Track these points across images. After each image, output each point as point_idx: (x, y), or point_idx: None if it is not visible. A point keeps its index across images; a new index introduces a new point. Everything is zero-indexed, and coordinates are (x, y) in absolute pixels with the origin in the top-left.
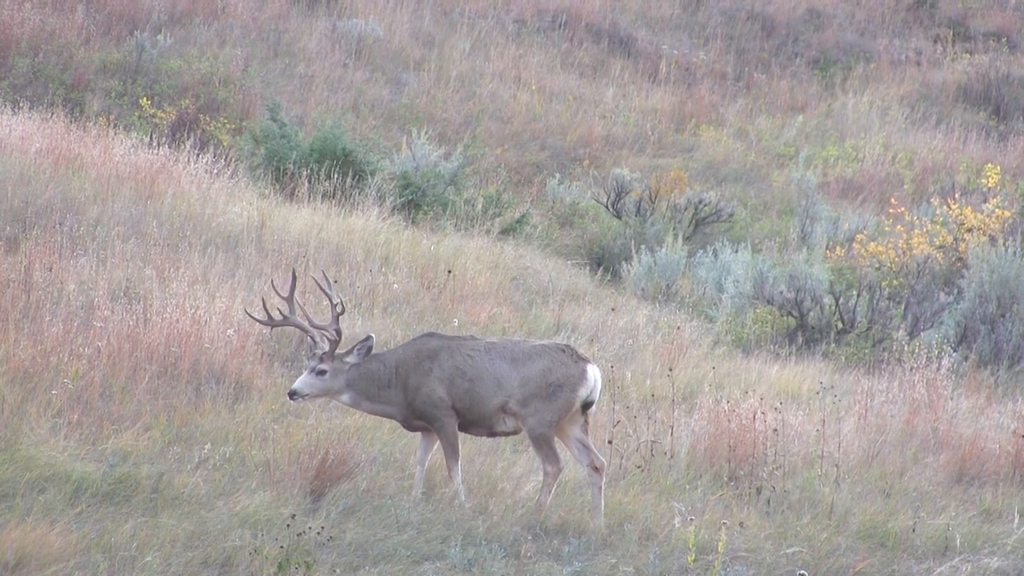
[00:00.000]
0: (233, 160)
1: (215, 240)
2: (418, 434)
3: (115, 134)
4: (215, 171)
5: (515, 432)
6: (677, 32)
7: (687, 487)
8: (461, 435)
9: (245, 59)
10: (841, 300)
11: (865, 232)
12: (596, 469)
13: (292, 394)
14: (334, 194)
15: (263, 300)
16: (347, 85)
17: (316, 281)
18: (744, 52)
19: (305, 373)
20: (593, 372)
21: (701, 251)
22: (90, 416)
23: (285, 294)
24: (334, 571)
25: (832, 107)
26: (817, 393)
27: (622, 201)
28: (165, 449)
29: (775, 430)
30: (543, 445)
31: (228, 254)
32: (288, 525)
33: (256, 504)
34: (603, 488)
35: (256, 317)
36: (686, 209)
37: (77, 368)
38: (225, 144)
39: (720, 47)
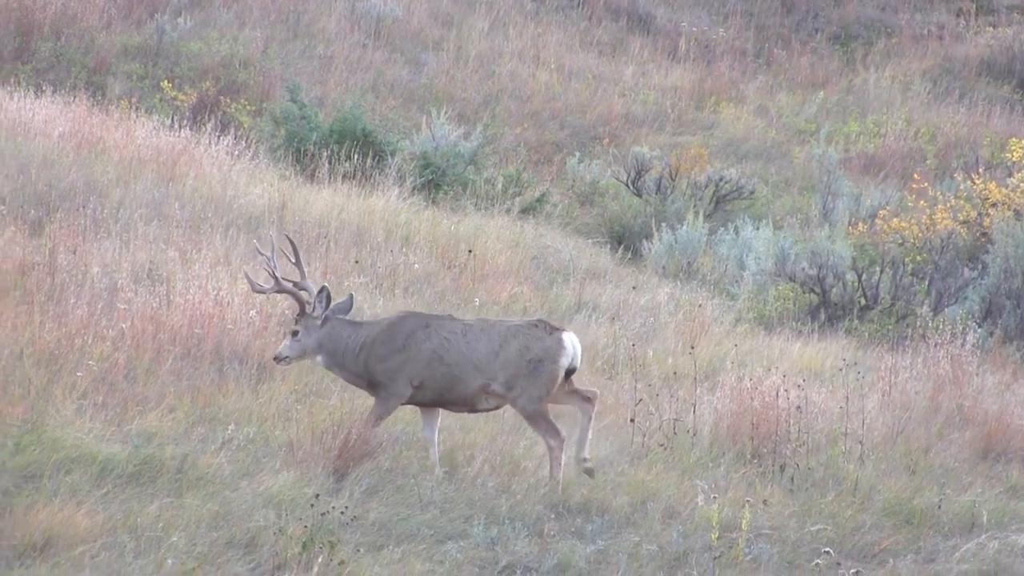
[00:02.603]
0: (254, 142)
1: (237, 221)
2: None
3: (137, 117)
4: (236, 153)
5: (497, 408)
6: (696, 9)
7: (710, 465)
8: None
9: (265, 41)
10: (864, 276)
11: (888, 208)
12: (587, 399)
13: (276, 358)
14: (354, 175)
15: (256, 273)
16: (366, 66)
17: (278, 247)
18: (764, 28)
19: (287, 337)
20: (570, 339)
21: (722, 228)
22: (115, 397)
23: (272, 262)
24: (358, 550)
25: (853, 83)
26: (840, 370)
27: (642, 179)
28: (189, 430)
29: (798, 407)
30: (539, 421)
31: (250, 235)
32: (312, 505)
33: (280, 484)
34: (593, 417)
35: (253, 283)
36: (707, 186)
37: (101, 350)
38: (246, 126)
39: (740, 23)
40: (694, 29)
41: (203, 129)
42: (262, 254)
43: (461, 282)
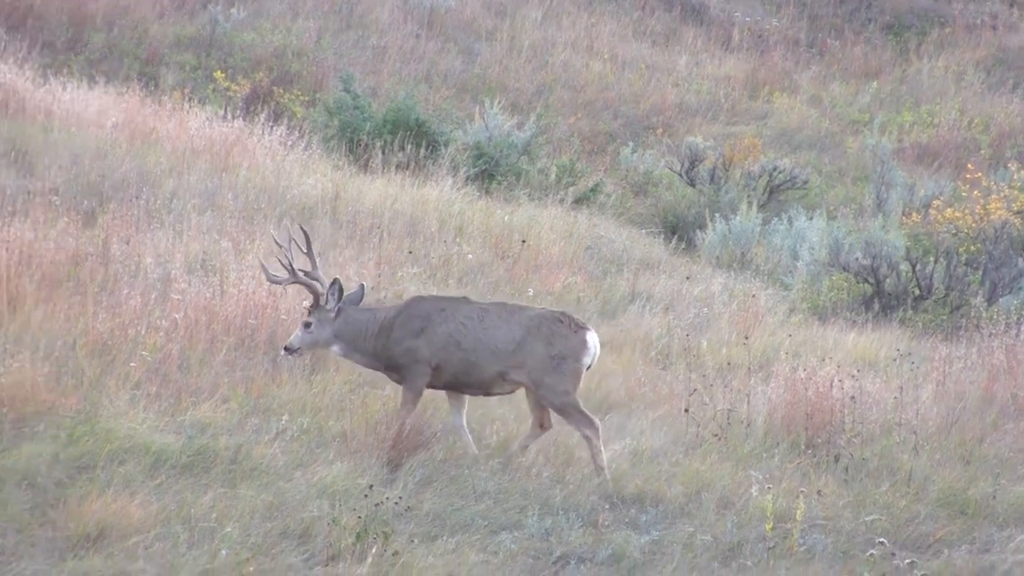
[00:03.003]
0: (307, 132)
1: (290, 212)
2: (490, 402)
3: (190, 107)
4: (289, 143)
5: (510, 392)
6: None
7: (764, 455)
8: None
9: (318, 31)
10: (918, 267)
11: (941, 198)
12: (541, 426)
13: (286, 349)
14: (408, 165)
15: (268, 261)
16: (420, 56)
17: (292, 240)
18: (817, 18)
19: (299, 328)
20: (592, 339)
21: (776, 219)
22: (168, 388)
23: (288, 252)
24: (412, 541)
25: (907, 72)
26: (894, 360)
27: (696, 169)
28: (243, 420)
29: (852, 397)
30: (572, 413)
31: (303, 225)
32: (366, 495)
33: (334, 475)
34: (535, 439)
35: (268, 272)
36: (760, 176)
37: (155, 340)
38: (299, 116)
39: (793, 13)
40: (747, 19)
41: (256, 119)
42: (278, 244)
43: (515, 272)
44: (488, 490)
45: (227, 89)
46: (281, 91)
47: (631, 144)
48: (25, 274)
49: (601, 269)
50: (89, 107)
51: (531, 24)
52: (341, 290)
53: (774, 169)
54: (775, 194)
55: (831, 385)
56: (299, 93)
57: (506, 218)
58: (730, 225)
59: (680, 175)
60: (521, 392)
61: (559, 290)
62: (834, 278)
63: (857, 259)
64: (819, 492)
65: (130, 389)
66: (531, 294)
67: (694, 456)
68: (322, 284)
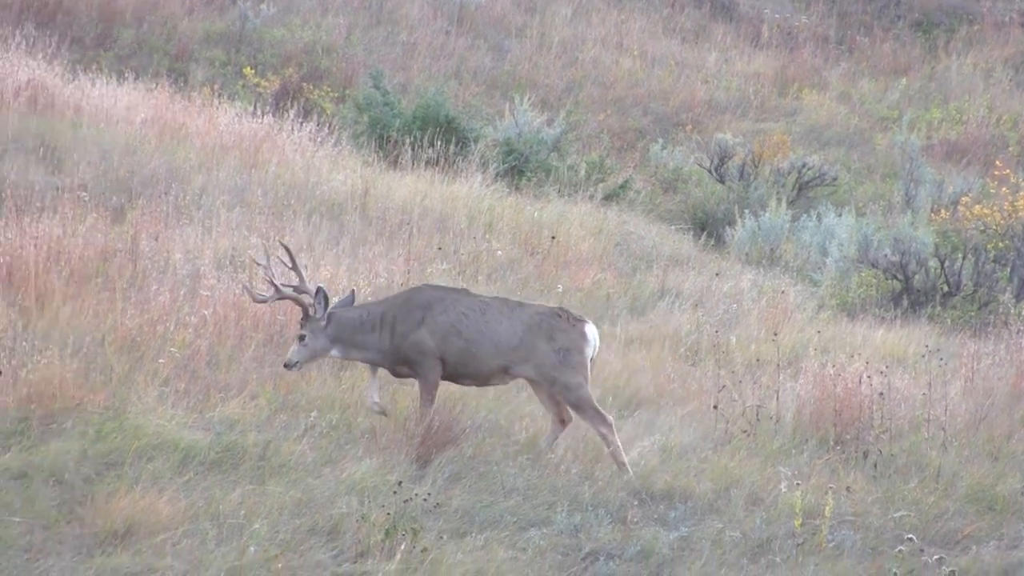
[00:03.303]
0: (336, 128)
1: (319, 208)
2: (519, 398)
3: (219, 104)
4: (319, 139)
5: (504, 383)
6: None
7: (793, 451)
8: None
9: (348, 27)
10: (946, 263)
11: (970, 195)
12: (562, 422)
13: (286, 365)
14: (437, 161)
15: (247, 285)
16: (449, 52)
17: (265, 255)
18: (846, 15)
19: (295, 342)
20: (592, 331)
21: (805, 215)
22: (197, 384)
23: (270, 269)
24: (441, 537)
25: (935, 69)
26: (923, 356)
27: (725, 166)
28: (272, 417)
29: (881, 394)
30: (586, 407)
31: (332, 222)
32: (395, 492)
33: (363, 471)
34: (559, 437)
35: (253, 293)
36: (789, 173)
37: (184, 337)
38: (328, 112)
39: (822, 10)
40: (776, 16)
41: (286, 116)
42: (258, 263)
43: (544, 268)
44: (517, 486)
45: (256, 85)
46: (311, 87)
47: (660, 141)
48: (54, 270)
49: (630, 265)
50: (118, 103)
51: (561, 21)
52: (327, 297)
53: (803, 166)
54: (804, 191)
55: (860, 381)
56: (329, 89)
57: (535, 214)
58: (759, 222)
59: (709, 172)
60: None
61: (588, 286)
62: (863, 274)
63: (886, 256)
64: (848, 488)
65: (159, 386)
66: (560, 290)
67: (723, 452)
68: (312, 297)
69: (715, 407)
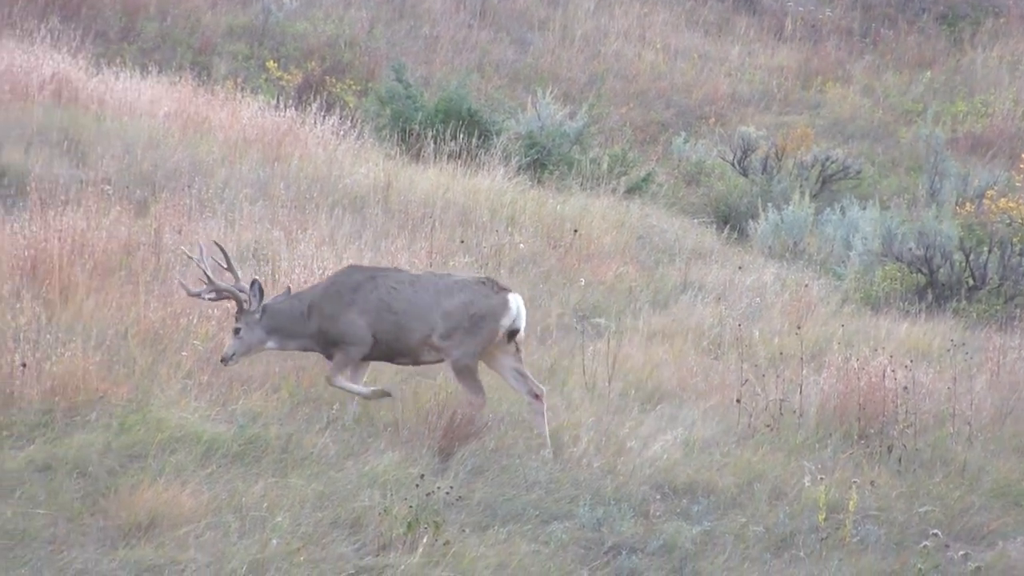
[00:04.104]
0: (359, 121)
1: (342, 201)
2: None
3: (242, 97)
4: (341, 133)
5: (439, 361)
6: None
7: (817, 446)
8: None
9: (370, 21)
10: (971, 257)
11: (995, 188)
12: (536, 396)
13: (223, 359)
14: (459, 154)
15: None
16: (472, 45)
17: (199, 250)
18: (870, 8)
19: (231, 336)
20: (515, 300)
21: (828, 208)
22: (220, 377)
23: (203, 263)
24: (463, 531)
25: (960, 62)
26: (948, 350)
27: (748, 159)
28: (294, 410)
29: (905, 388)
30: (467, 377)
31: (355, 215)
32: (417, 485)
33: (385, 464)
34: (545, 414)
35: (187, 287)
36: (813, 166)
37: (207, 330)
38: (351, 106)
39: (846, 3)
40: (800, 9)
41: (308, 109)
42: (190, 256)
43: (566, 262)
44: (539, 480)
45: (279, 79)
46: (333, 80)
47: (683, 134)
48: (78, 263)
49: (653, 259)
50: (142, 96)
51: (583, 14)
52: (261, 290)
53: (827, 159)
54: (827, 184)
55: (884, 375)
56: (351, 83)
57: (558, 208)
58: (782, 215)
59: (732, 165)
60: (577, 380)
61: (611, 280)
62: (887, 268)
63: (910, 249)
64: (872, 483)
65: (182, 378)
66: (583, 283)
67: (746, 446)
68: (247, 294)
69: (738, 401)
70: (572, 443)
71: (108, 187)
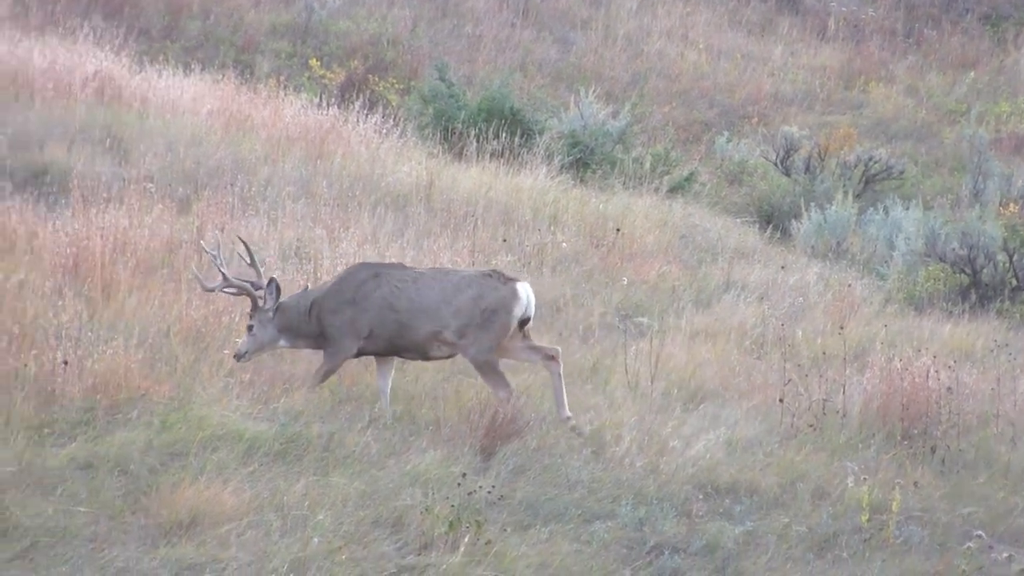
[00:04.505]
0: (401, 120)
1: (384, 200)
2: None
3: (285, 95)
4: (384, 131)
5: (450, 356)
6: None
7: (860, 446)
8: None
9: (413, 19)
10: (1015, 257)
11: None
12: (551, 358)
13: (235, 356)
14: (502, 153)
15: (197, 275)
16: (515, 44)
17: (216, 245)
18: (914, 8)
19: (244, 334)
20: (524, 289)
21: (871, 208)
22: (261, 376)
23: (219, 259)
24: (504, 530)
25: (1004, 63)
26: (991, 351)
27: (791, 158)
28: (336, 408)
29: (949, 388)
30: (489, 371)
31: (397, 213)
32: (459, 484)
33: (427, 463)
34: (562, 375)
35: (202, 282)
36: (856, 166)
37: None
38: (394, 104)
39: (889, 3)
40: (843, 9)
41: (351, 107)
42: (207, 252)
43: (609, 261)
44: (581, 479)
45: (322, 77)
46: (376, 79)
47: (726, 133)
48: (120, 261)
49: (696, 258)
50: (184, 94)
51: (626, 13)
52: (279, 289)
53: (870, 159)
54: (871, 184)
55: (927, 376)
56: (394, 81)
57: (600, 207)
58: (825, 215)
59: (775, 164)
60: (619, 379)
61: (654, 279)
62: (930, 268)
63: (954, 249)
64: (915, 483)
65: (223, 376)
66: (625, 283)
67: (789, 446)
68: (273, 279)
69: (781, 401)
70: (614, 442)
71: (150, 185)
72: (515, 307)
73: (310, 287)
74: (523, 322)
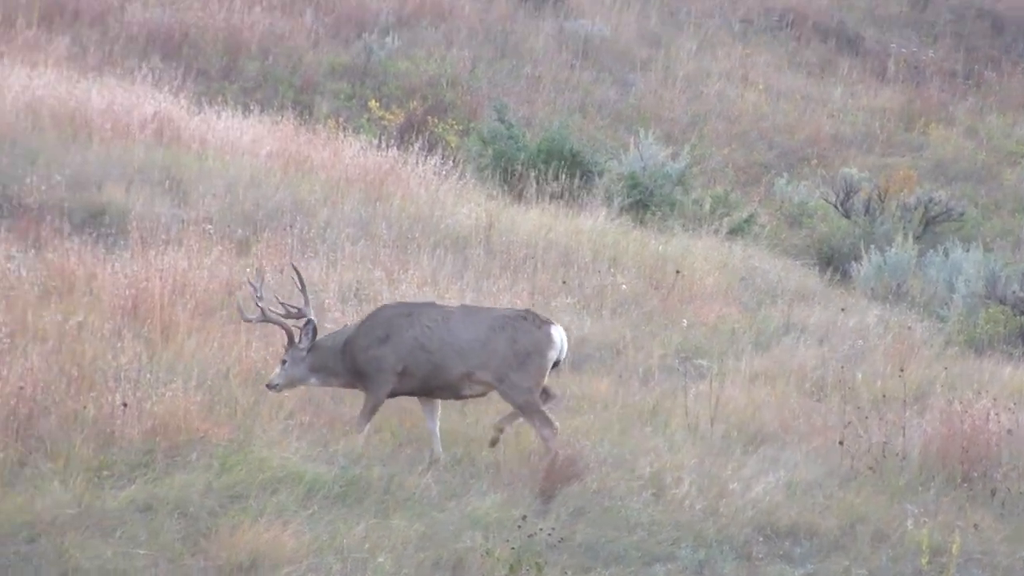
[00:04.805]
0: (461, 161)
1: (443, 241)
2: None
3: (344, 136)
4: (443, 173)
5: (482, 395)
6: (905, 30)
7: (919, 488)
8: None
9: (472, 60)
10: None
11: None
12: (551, 396)
13: (268, 386)
14: (562, 195)
15: (240, 305)
16: (574, 85)
17: (259, 278)
18: (973, 50)
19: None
20: (558, 333)
21: (931, 250)
22: (321, 418)
23: (259, 291)
24: (565, 572)
25: None
26: None
27: (851, 200)
28: (396, 451)
29: (1009, 431)
30: (533, 412)
31: (456, 255)
32: (519, 526)
33: (487, 505)
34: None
35: (242, 312)
36: (916, 208)
37: None
38: (453, 145)
39: (949, 45)
40: (903, 50)
41: (410, 149)
42: (250, 284)
43: (668, 303)
44: (641, 521)
45: (381, 118)
46: (435, 120)
47: (785, 175)
48: (179, 303)
49: (755, 300)
50: (243, 135)
51: (686, 54)
52: (315, 331)
53: (930, 201)
54: (931, 226)
55: (987, 418)
56: (453, 122)
57: (660, 249)
58: (885, 257)
59: (835, 206)
60: (679, 421)
61: (713, 321)
62: (990, 310)
63: (1014, 292)
64: (975, 526)
65: (283, 419)
66: (685, 325)
67: (849, 489)
68: (310, 321)
69: (841, 443)
70: (674, 485)
71: (209, 226)
72: (549, 351)
73: (348, 325)
74: (555, 364)
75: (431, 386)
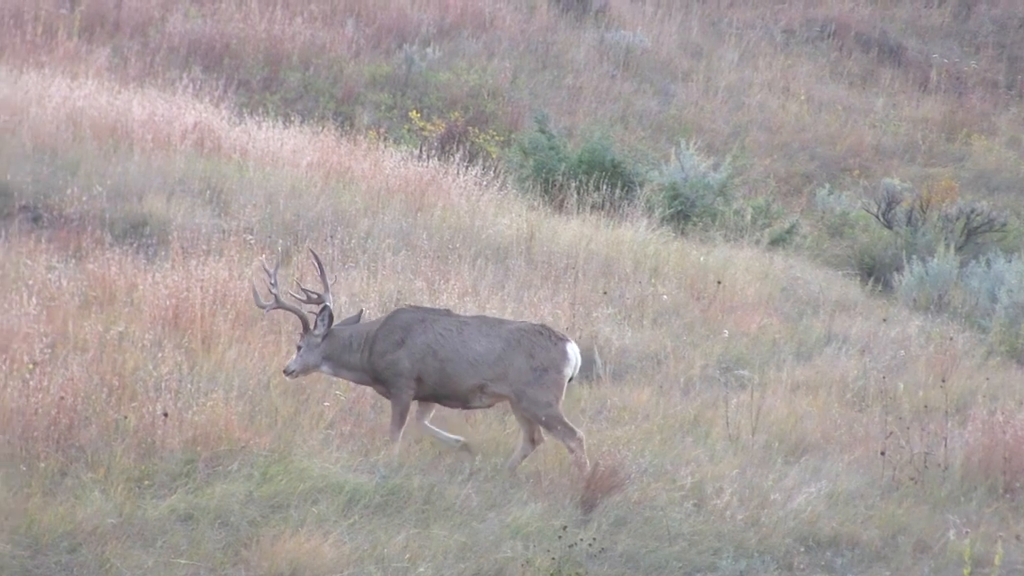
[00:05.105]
0: (502, 172)
1: (484, 252)
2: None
3: (385, 147)
4: (484, 183)
5: (490, 406)
6: (947, 40)
7: (961, 499)
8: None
9: (513, 71)
10: None
11: None
12: (532, 442)
13: (285, 371)
14: (603, 205)
15: (255, 286)
16: (615, 96)
17: (274, 265)
18: (1016, 60)
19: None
20: (573, 350)
21: (973, 261)
22: (362, 428)
23: (275, 277)
24: None
25: None
26: None
27: (892, 211)
28: (436, 460)
29: None
30: (556, 425)
31: (497, 266)
32: (559, 536)
33: (527, 515)
34: (522, 457)
35: (256, 298)
36: (958, 219)
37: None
38: (494, 156)
39: (991, 55)
40: (945, 60)
41: (451, 159)
42: (266, 270)
43: (710, 313)
44: (682, 532)
45: (422, 129)
46: (476, 131)
47: (827, 185)
48: (219, 313)
49: (797, 311)
50: (284, 146)
51: (727, 65)
52: (331, 317)
53: (972, 211)
54: (973, 236)
55: None
56: (494, 133)
57: (701, 259)
58: (927, 267)
59: (876, 217)
60: (720, 431)
61: (754, 331)
62: None
63: None
64: (1018, 537)
65: (324, 429)
66: (726, 335)
67: (890, 499)
68: (327, 307)
69: (882, 453)
70: (715, 495)
71: (250, 237)
72: (565, 367)
73: (363, 313)
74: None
75: (441, 394)
